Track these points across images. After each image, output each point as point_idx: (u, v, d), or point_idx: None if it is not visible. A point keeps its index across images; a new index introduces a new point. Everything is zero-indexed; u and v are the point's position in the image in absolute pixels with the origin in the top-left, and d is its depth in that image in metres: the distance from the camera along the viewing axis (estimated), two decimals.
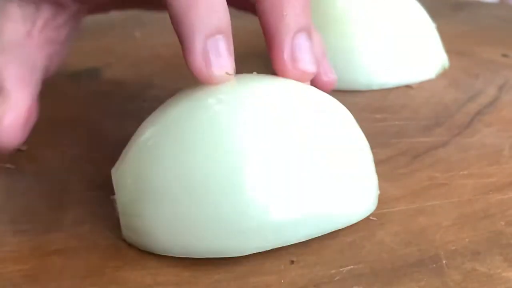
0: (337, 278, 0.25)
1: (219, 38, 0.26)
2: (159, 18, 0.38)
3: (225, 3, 0.27)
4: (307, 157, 0.26)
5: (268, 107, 0.26)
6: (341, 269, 0.25)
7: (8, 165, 0.34)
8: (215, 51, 0.26)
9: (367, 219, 0.28)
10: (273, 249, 0.26)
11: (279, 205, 0.25)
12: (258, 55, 0.39)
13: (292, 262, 0.26)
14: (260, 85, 0.27)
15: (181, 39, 0.26)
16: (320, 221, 0.26)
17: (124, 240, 0.27)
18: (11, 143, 0.29)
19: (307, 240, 0.26)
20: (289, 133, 0.26)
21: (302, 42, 0.28)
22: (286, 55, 0.28)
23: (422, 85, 0.43)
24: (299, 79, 0.28)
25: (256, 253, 0.25)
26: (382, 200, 0.29)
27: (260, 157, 0.25)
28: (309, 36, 0.28)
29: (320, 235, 0.26)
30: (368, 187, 0.28)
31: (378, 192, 0.29)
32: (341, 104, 0.29)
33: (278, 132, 0.26)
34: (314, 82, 0.30)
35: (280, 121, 0.26)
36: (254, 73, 0.29)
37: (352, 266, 0.25)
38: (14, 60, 0.30)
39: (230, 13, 0.27)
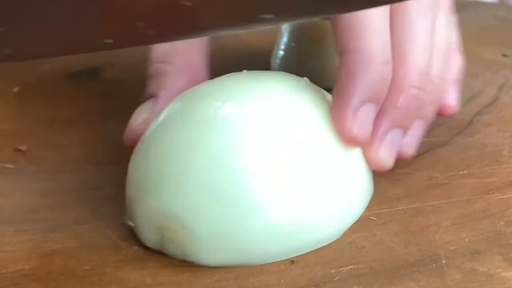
0: (337, 278, 0.25)
1: (371, 106, 0.26)
2: None
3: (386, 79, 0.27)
4: (305, 158, 0.26)
5: (266, 116, 0.26)
6: (341, 269, 0.25)
7: (8, 165, 0.34)
8: (365, 116, 0.26)
9: (367, 219, 0.28)
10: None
11: (279, 211, 0.25)
12: (250, 55, 0.39)
13: (292, 262, 0.26)
14: (254, 86, 0.27)
15: (337, 97, 0.26)
16: (319, 227, 0.26)
17: (124, 240, 0.27)
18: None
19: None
20: (288, 136, 0.26)
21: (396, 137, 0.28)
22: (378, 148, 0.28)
23: None
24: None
25: None
26: (382, 200, 0.29)
27: (259, 162, 0.25)
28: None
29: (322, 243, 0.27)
30: (362, 188, 0.28)
31: (372, 189, 0.29)
32: None
33: (277, 138, 0.26)
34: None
35: (278, 128, 0.26)
36: (244, 71, 0.29)
37: (352, 266, 0.25)
38: (181, 69, 0.31)
39: None
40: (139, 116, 0.31)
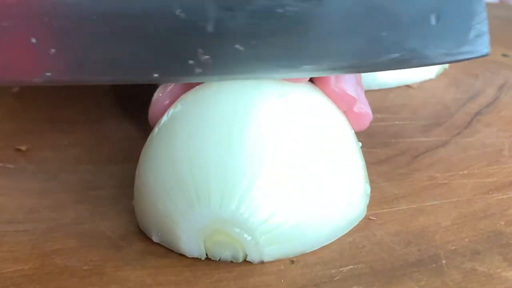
0: (337, 278, 0.25)
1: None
2: None
3: None
4: (305, 158, 0.26)
5: (266, 116, 0.26)
6: (341, 269, 0.25)
7: (8, 165, 0.34)
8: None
9: (367, 219, 0.28)
10: None
11: (279, 211, 0.25)
12: None
13: (292, 262, 0.26)
14: (251, 87, 0.27)
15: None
16: (318, 230, 0.26)
17: (124, 240, 0.27)
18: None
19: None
20: (288, 136, 0.26)
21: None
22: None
23: (422, 85, 0.43)
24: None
25: None
26: (382, 200, 0.29)
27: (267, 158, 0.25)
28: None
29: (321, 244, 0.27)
30: (362, 188, 0.28)
31: (369, 190, 0.29)
32: (335, 106, 0.29)
33: (277, 138, 0.26)
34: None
35: (278, 128, 0.26)
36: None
37: (352, 266, 0.25)
38: None
39: None
40: (160, 92, 0.30)
